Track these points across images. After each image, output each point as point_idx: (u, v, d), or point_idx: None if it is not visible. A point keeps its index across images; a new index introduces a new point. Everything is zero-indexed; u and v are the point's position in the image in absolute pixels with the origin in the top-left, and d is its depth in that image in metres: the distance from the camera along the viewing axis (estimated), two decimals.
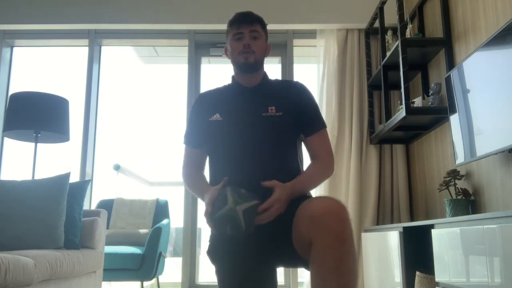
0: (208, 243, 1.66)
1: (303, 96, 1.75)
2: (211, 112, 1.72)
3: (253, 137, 1.63)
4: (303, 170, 1.74)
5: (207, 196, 1.50)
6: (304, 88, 1.78)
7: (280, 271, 3.85)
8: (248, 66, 1.70)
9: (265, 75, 1.80)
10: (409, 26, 3.26)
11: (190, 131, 1.80)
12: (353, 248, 1.33)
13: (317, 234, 1.32)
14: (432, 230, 2.28)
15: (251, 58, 1.69)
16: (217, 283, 1.58)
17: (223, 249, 1.57)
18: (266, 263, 1.56)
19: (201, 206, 3.96)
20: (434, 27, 3.27)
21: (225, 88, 1.81)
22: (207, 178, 1.75)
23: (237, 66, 1.73)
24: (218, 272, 1.58)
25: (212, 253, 1.61)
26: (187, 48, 4.10)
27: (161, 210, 3.76)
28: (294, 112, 1.69)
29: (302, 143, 1.80)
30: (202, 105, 1.78)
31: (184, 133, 1.81)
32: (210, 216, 1.44)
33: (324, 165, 1.71)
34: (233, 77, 1.81)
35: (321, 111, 1.82)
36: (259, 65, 1.74)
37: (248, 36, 1.71)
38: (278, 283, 1.63)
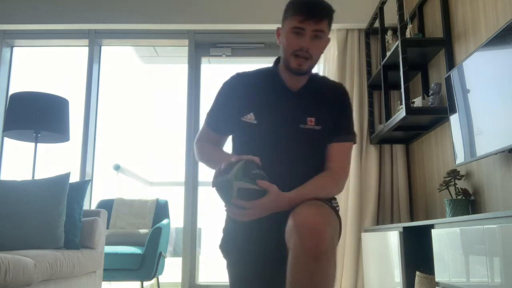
0: (221, 236, 1.61)
1: (345, 105, 1.61)
2: (245, 109, 1.54)
3: (287, 149, 1.52)
4: None
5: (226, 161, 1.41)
6: (348, 97, 1.63)
7: None
8: (300, 73, 1.52)
9: (311, 74, 1.59)
10: (409, 26, 3.26)
11: (215, 115, 1.62)
12: (329, 264, 1.24)
13: (291, 245, 1.26)
14: (432, 230, 2.28)
15: (305, 66, 1.49)
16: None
17: (235, 243, 1.53)
18: (278, 260, 1.46)
19: (201, 206, 3.96)
20: (434, 27, 3.27)
21: (266, 79, 1.60)
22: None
23: (287, 66, 1.52)
24: (229, 267, 1.55)
25: (224, 247, 1.57)
26: (187, 48, 4.10)
27: (161, 210, 3.76)
28: (332, 125, 1.56)
29: None
30: (236, 93, 1.58)
31: (208, 112, 1.64)
32: (213, 178, 1.40)
33: (335, 180, 1.53)
34: (277, 66, 1.61)
35: None
36: (312, 70, 1.56)
37: (309, 36, 1.46)
38: None
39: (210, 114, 1.63)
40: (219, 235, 1.65)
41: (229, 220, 1.60)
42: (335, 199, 1.63)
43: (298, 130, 1.52)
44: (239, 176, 1.35)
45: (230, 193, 1.36)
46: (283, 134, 1.52)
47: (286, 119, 1.53)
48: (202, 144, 1.63)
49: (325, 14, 1.47)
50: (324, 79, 1.64)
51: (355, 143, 1.62)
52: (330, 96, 1.59)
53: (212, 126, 1.63)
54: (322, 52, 1.53)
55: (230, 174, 1.35)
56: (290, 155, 1.52)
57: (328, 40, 1.55)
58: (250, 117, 1.54)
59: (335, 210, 1.48)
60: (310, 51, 1.47)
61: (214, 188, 1.41)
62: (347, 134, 1.59)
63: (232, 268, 1.55)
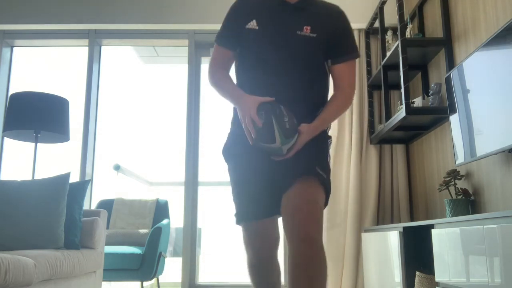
0: (224, 142, 1.79)
1: (342, 22, 1.73)
2: (249, 18, 1.69)
3: (284, 54, 1.64)
4: (327, 98, 1.76)
5: (247, 111, 1.56)
6: (344, 15, 1.75)
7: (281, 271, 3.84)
8: None
9: None
10: (409, 26, 3.26)
11: (224, 30, 1.76)
12: (319, 245, 1.48)
13: (286, 232, 1.51)
14: (432, 230, 2.28)
15: None
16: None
17: (239, 149, 1.70)
18: (277, 177, 1.65)
19: (201, 206, 3.96)
20: (434, 27, 3.27)
21: None
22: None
23: None
24: (230, 171, 1.73)
25: (227, 151, 1.75)
26: (187, 48, 4.10)
27: (161, 210, 3.76)
28: (328, 36, 1.67)
29: None
30: (241, 8, 1.74)
31: (218, 33, 1.78)
32: (254, 141, 1.57)
33: (346, 97, 1.71)
34: None
35: None
36: None
37: None
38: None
39: (220, 33, 1.77)
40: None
41: (235, 128, 1.75)
42: (330, 137, 1.79)
43: (295, 36, 1.64)
44: (283, 140, 1.53)
45: (279, 153, 1.57)
46: (282, 40, 1.64)
47: (284, 26, 1.66)
48: (214, 71, 1.76)
49: None
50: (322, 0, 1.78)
51: (358, 56, 1.76)
52: (326, 12, 1.72)
53: (224, 44, 1.75)
54: None
55: (277, 143, 1.53)
56: (289, 61, 1.64)
57: None
58: (253, 24, 1.67)
59: (324, 183, 1.60)
60: None
61: (255, 146, 1.59)
62: (352, 53, 1.72)
63: (232, 172, 1.74)
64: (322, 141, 1.70)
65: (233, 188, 1.74)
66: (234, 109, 1.77)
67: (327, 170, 1.64)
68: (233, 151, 1.74)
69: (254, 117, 1.54)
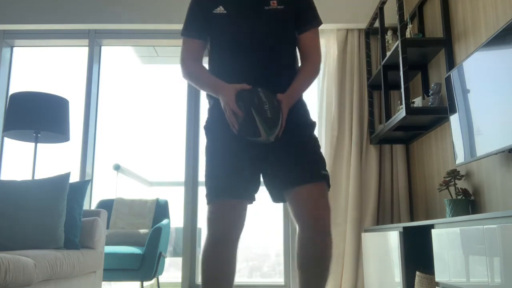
0: (206, 118, 1.77)
1: None
2: (214, 4, 1.70)
3: (257, 31, 1.66)
4: (297, 68, 1.77)
5: (226, 102, 1.55)
6: None
7: (281, 271, 3.85)
8: None
9: None
10: (409, 26, 3.26)
11: (190, 21, 1.76)
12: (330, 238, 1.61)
13: (302, 240, 1.61)
14: (432, 230, 2.28)
15: None
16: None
17: (219, 125, 1.67)
18: (255, 157, 1.65)
19: (201, 206, 3.96)
20: (434, 27, 3.27)
21: None
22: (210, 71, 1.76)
23: None
24: (211, 141, 1.69)
25: (208, 126, 1.72)
26: None
27: (161, 210, 3.76)
28: (294, 6, 1.71)
29: None
30: None
31: (183, 25, 1.77)
32: (238, 132, 1.55)
33: (315, 64, 1.75)
34: None
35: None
36: None
37: None
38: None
39: (186, 25, 1.76)
40: None
41: (215, 105, 1.72)
42: (314, 123, 1.78)
43: (264, 11, 1.66)
44: (268, 132, 1.52)
45: (268, 143, 1.58)
46: (252, 17, 1.66)
47: (251, 4, 1.68)
48: (188, 65, 1.74)
49: None
50: None
51: (321, 23, 1.79)
52: None
53: (192, 35, 1.74)
54: None
55: (262, 137, 1.52)
56: (263, 37, 1.66)
57: None
58: (220, 9, 1.68)
59: (327, 181, 1.67)
60: None
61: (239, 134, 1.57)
62: (315, 20, 1.77)
63: (212, 143, 1.69)
64: (314, 139, 1.72)
65: (211, 160, 1.66)
66: (209, 57, 1.78)
67: (325, 164, 1.69)
68: (217, 125, 1.70)
69: (235, 109, 1.53)
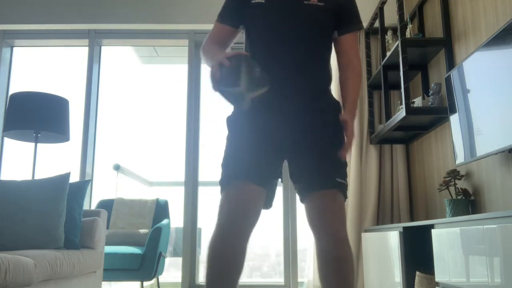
0: (229, 115, 1.70)
1: None
2: None
3: (294, 23, 1.61)
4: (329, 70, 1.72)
5: (218, 56, 1.47)
6: None
7: (281, 271, 3.85)
8: None
9: None
10: (409, 26, 3.26)
11: (226, 9, 1.75)
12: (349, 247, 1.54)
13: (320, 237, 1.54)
14: (432, 230, 2.28)
15: None
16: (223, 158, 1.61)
17: (243, 117, 1.63)
18: (278, 149, 1.60)
19: (202, 205, 3.96)
20: (434, 27, 3.27)
21: None
22: None
23: None
24: (229, 136, 1.64)
25: (231, 118, 1.67)
26: (187, 48, 4.10)
27: (161, 210, 3.76)
28: (334, 5, 1.65)
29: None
30: None
31: (219, 12, 1.76)
32: (217, 85, 1.44)
33: (359, 72, 1.69)
34: None
35: None
36: None
37: None
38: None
39: (222, 11, 1.75)
40: None
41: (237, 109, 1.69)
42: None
43: (303, 5, 1.61)
44: (248, 87, 1.40)
45: (243, 102, 1.44)
46: (290, 10, 1.61)
47: None
48: (209, 44, 1.71)
49: None
50: None
51: (363, 27, 1.77)
52: None
53: (225, 21, 1.73)
54: None
55: (241, 87, 1.40)
56: (300, 30, 1.61)
57: None
58: None
59: (344, 191, 1.61)
60: None
61: (217, 92, 1.46)
62: (358, 23, 1.71)
63: (236, 131, 1.63)
64: (341, 142, 1.64)
65: (234, 144, 1.61)
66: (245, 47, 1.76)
67: (345, 172, 1.62)
68: (241, 118, 1.65)
69: (223, 60, 1.43)
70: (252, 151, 1.56)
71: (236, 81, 1.40)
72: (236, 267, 1.48)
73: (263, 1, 1.63)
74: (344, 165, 1.61)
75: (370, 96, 3.85)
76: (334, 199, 1.55)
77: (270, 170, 1.57)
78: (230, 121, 1.67)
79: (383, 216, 3.74)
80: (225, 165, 1.58)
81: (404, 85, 2.95)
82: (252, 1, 1.65)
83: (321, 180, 1.56)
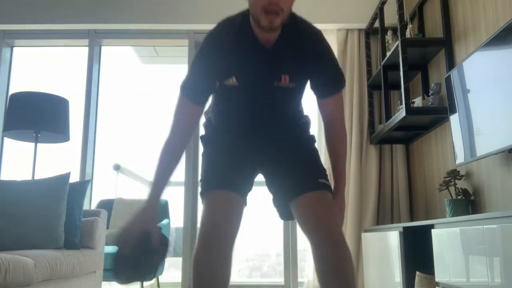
0: (203, 133, 1.76)
1: (325, 56, 1.56)
2: (227, 73, 1.53)
3: (266, 100, 1.60)
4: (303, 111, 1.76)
5: (131, 230, 1.59)
6: (324, 43, 1.55)
7: (281, 271, 3.85)
8: (272, 30, 1.42)
9: (284, 25, 1.47)
10: (409, 26, 3.26)
11: (195, 83, 1.53)
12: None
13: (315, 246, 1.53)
14: (432, 230, 2.28)
15: (276, 21, 1.38)
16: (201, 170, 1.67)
17: (217, 134, 1.70)
18: (255, 161, 1.66)
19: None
20: (434, 27, 3.27)
21: (241, 37, 1.50)
22: (213, 114, 1.72)
23: (258, 24, 1.42)
24: (205, 152, 1.69)
25: (206, 136, 1.72)
26: (187, 48, 4.10)
27: (161, 210, 3.75)
28: (309, 77, 1.60)
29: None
30: (216, 57, 1.50)
31: (186, 81, 1.54)
32: (126, 254, 1.60)
33: (344, 133, 1.69)
34: (249, 21, 1.49)
35: None
36: (281, 24, 1.44)
37: None
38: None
39: (190, 85, 1.54)
40: None
41: (210, 126, 1.74)
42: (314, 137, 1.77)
43: (273, 88, 1.55)
44: (132, 276, 1.60)
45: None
46: (260, 92, 1.58)
47: (263, 79, 1.54)
48: (177, 128, 1.61)
49: None
50: (297, 28, 1.52)
51: (344, 84, 1.68)
52: (306, 48, 1.52)
53: (194, 99, 1.54)
54: (292, 3, 1.42)
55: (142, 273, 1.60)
56: (268, 109, 1.62)
57: None
58: (233, 81, 1.53)
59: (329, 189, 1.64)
60: (281, 4, 1.35)
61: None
62: (339, 83, 1.63)
63: (215, 144, 1.69)
64: (314, 150, 1.71)
65: (210, 157, 1.64)
66: (213, 101, 1.72)
67: (326, 175, 1.64)
68: (215, 135, 1.71)
69: (130, 241, 1.55)
70: (229, 163, 1.61)
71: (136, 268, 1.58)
72: (223, 277, 1.47)
73: (237, 84, 1.54)
74: (324, 169, 1.64)
75: (370, 96, 3.85)
76: (320, 199, 1.54)
77: (246, 182, 1.62)
78: (205, 139, 1.73)
79: (383, 216, 3.74)
80: (205, 177, 1.60)
81: (404, 85, 2.96)
82: (225, 83, 1.55)
83: (303, 183, 1.55)
